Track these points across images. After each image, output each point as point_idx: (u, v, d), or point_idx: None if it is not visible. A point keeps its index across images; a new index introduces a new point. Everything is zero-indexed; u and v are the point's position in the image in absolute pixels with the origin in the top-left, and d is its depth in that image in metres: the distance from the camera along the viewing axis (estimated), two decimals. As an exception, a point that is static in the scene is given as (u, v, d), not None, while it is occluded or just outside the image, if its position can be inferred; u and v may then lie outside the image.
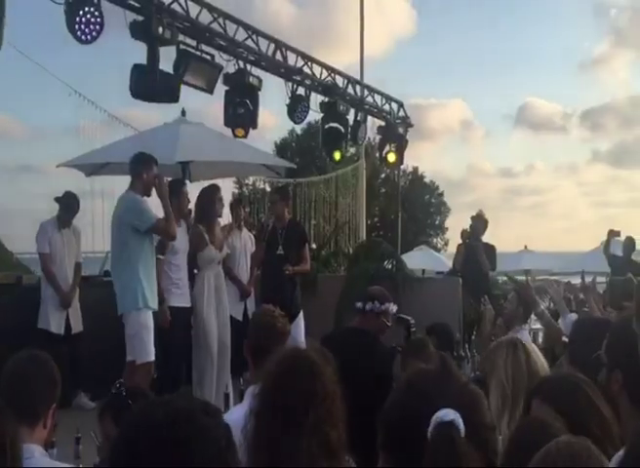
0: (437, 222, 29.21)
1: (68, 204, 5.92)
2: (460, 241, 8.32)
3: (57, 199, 5.92)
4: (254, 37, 5.86)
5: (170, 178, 5.74)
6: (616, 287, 2.97)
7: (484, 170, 74.04)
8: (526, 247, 16.79)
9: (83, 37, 4.09)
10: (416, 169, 28.82)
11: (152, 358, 4.57)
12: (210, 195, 5.62)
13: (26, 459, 1.72)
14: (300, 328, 6.07)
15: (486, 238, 8.35)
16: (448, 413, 1.02)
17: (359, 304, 3.63)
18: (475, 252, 7.94)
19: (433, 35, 67.62)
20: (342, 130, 7.47)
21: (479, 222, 8.08)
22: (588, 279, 4.69)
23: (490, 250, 8.26)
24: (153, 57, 4.65)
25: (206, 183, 8.37)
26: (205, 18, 5.39)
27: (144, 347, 4.53)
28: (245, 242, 6.74)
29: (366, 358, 3.40)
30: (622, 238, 9.49)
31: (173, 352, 5.18)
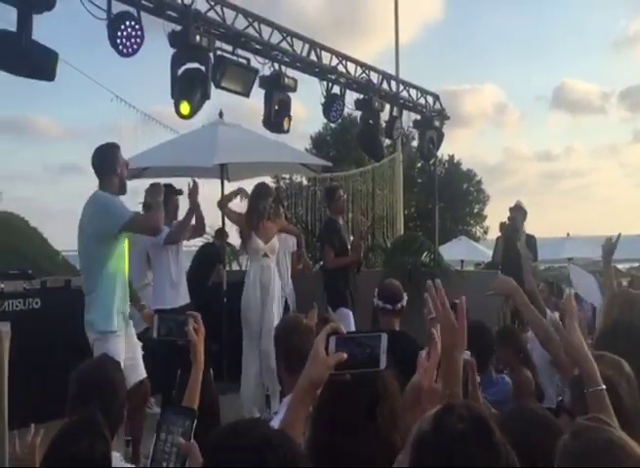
0: (476, 211, 28.88)
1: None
2: (500, 233, 8.26)
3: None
4: (288, 39, 5.92)
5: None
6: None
7: (521, 154, 72.45)
8: (568, 234, 16.52)
9: (124, 51, 4.22)
10: (452, 157, 28.54)
11: None
12: (259, 193, 6.05)
13: None
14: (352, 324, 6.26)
15: (527, 224, 8.23)
16: None
17: (388, 306, 3.64)
18: (515, 244, 7.86)
19: (462, 19, 66.49)
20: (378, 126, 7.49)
21: (518, 213, 8.00)
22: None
23: (530, 240, 8.17)
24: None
25: (244, 183, 8.57)
26: (240, 23, 5.48)
27: None
28: (285, 239, 6.87)
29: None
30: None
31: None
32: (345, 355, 1.41)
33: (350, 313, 6.39)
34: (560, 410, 2.13)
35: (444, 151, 28.50)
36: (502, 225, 8.05)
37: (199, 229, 5.89)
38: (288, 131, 6.11)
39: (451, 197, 26.00)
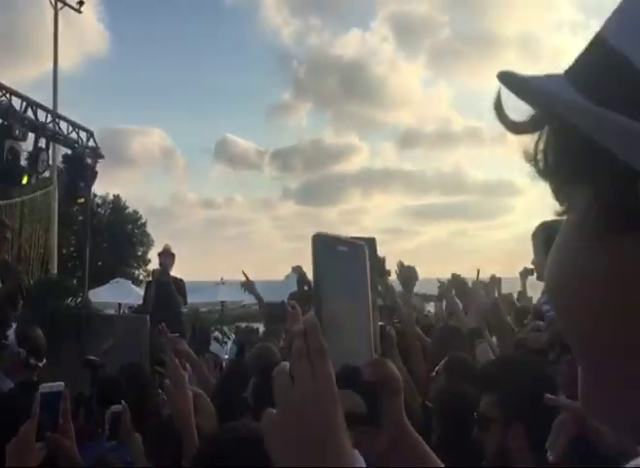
0: (140, 253, 28.47)
1: None
2: (151, 279, 8.23)
3: None
4: None
5: None
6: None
7: (187, 200, 75.99)
8: (222, 279, 17.42)
9: None
10: (117, 197, 27.90)
11: None
12: None
13: None
14: None
15: (190, 269, 8.36)
16: None
17: (39, 364, 3.47)
18: (166, 288, 7.89)
19: (128, 59, 67.96)
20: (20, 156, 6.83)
21: (167, 258, 8.06)
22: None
23: (179, 284, 8.27)
24: None
25: None
26: None
27: None
28: None
29: None
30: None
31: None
32: None
33: None
34: None
35: (110, 190, 27.74)
36: (154, 271, 8.05)
37: None
38: None
39: (115, 238, 25.27)
